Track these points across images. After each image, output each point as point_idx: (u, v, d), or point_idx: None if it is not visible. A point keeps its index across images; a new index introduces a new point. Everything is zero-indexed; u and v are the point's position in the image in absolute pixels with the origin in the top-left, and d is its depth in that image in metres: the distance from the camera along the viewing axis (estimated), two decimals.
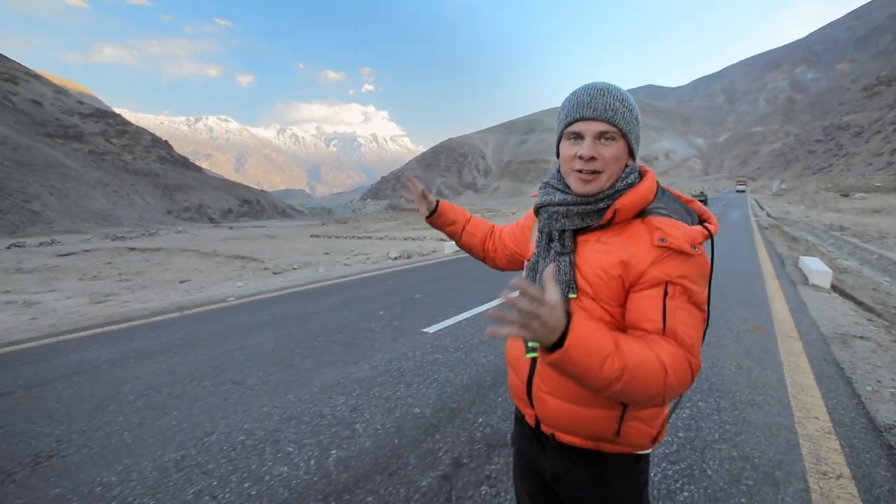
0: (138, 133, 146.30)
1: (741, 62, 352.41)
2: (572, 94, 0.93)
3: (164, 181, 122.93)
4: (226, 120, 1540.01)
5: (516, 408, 1.12)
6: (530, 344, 0.92)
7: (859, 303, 6.06)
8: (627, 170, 0.94)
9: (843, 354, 3.65)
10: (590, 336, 0.75)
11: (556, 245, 0.96)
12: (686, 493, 1.93)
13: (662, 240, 0.86)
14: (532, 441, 1.05)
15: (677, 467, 2.12)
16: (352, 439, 2.35)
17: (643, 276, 0.86)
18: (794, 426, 2.50)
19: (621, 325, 0.89)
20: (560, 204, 0.95)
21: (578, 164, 0.90)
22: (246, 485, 2.00)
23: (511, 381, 1.07)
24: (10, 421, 2.58)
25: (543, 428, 1.00)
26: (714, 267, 0.91)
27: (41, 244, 36.94)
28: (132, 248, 28.71)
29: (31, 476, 2.08)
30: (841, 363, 3.46)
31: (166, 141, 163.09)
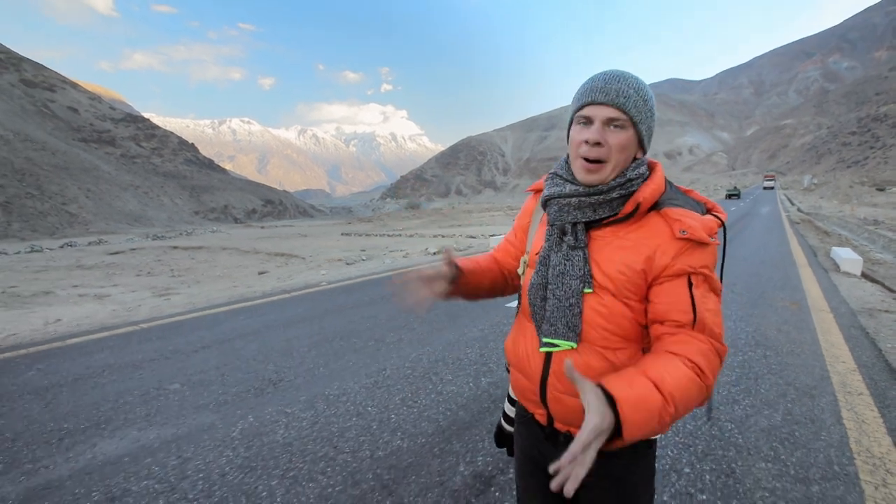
0: (166, 136, 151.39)
1: (770, 52, 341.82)
2: (588, 79, 0.93)
3: (192, 183, 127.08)
4: (248, 122, 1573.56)
5: (519, 408, 1.13)
6: (545, 339, 0.94)
7: (888, 288, 6.65)
8: (637, 162, 0.94)
9: (869, 323, 4.36)
10: (639, 407, 0.73)
11: (569, 239, 0.95)
12: (746, 402, 2.74)
13: (684, 231, 0.87)
14: (541, 440, 1.04)
15: (737, 388, 2.93)
16: (493, 372, 3.24)
17: (667, 269, 0.88)
18: (826, 367, 3.28)
19: (641, 319, 0.91)
20: (571, 195, 0.94)
21: (584, 149, 0.90)
22: (431, 396, 2.89)
23: (517, 383, 1.05)
24: (229, 361, 3.54)
25: (558, 426, 0.99)
26: (727, 254, 0.98)
27: (90, 243, 39.29)
28: (175, 247, 30.44)
29: (277, 391, 3.02)
30: (867, 329, 4.18)
31: (192, 143, 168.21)
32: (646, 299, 0.90)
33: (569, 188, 0.95)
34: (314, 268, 9.53)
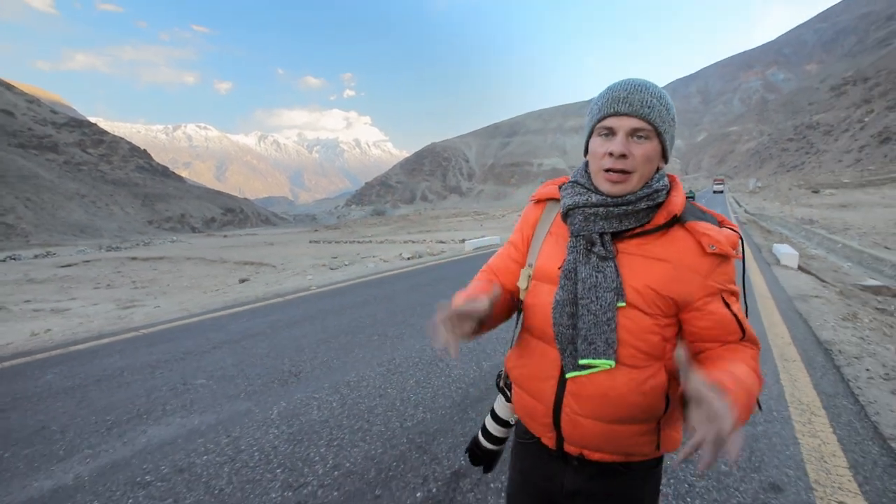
0: (115, 142, 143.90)
1: (716, 63, 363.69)
2: (607, 88, 0.91)
3: (144, 191, 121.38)
4: (205, 127, 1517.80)
5: (520, 429, 1.09)
6: (581, 360, 0.89)
7: (819, 278, 7.59)
8: (660, 173, 0.93)
9: (802, 306, 5.11)
10: (739, 406, 0.73)
11: (598, 249, 0.91)
12: None
13: (713, 247, 0.86)
14: (546, 461, 1.01)
15: None
16: (491, 356, 3.66)
17: (702, 289, 0.87)
18: (768, 342, 3.90)
19: (667, 334, 0.89)
20: (598, 205, 0.91)
21: (608, 162, 0.88)
22: (442, 378, 3.28)
23: (523, 404, 1.01)
24: (244, 359, 3.79)
25: (568, 448, 0.96)
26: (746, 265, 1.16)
27: (37, 256, 37.04)
28: (134, 258, 29.30)
29: (301, 381, 3.31)
30: (800, 311, 4.91)
31: (145, 150, 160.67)
32: (675, 316, 0.90)
33: (595, 198, 0.92)
34: (300, 273, 9.67)
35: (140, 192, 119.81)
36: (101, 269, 23.85)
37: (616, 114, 0.88)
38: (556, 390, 0.94)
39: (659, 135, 0.89)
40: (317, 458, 2.29)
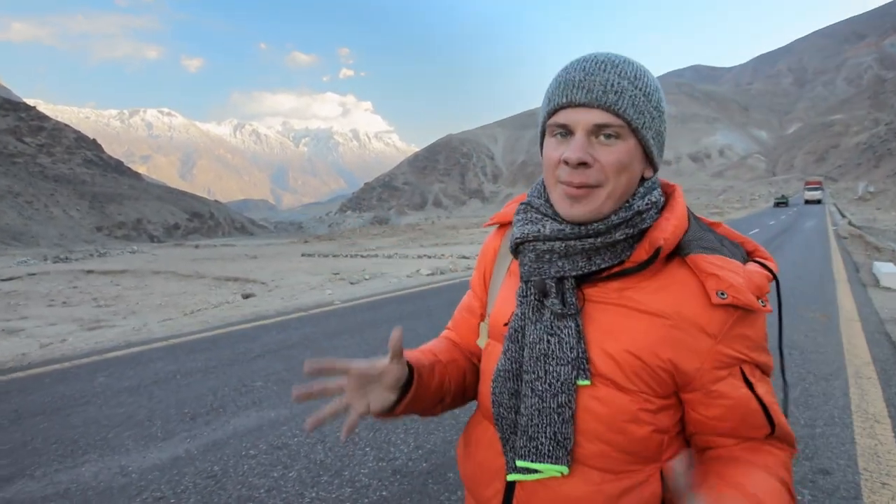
0: (59, 130, 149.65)
1: (813, 34, 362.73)
2: (562, 69, 0.80)
3: (93, 190, 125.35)
4: (169, 114, 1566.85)
5: None
6: (519, 462, 0.80)
7: None
8: (648, 184, 0.82)
9: (894, 329, 5.81)
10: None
11: (553, 302, 0.80)
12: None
13: (723, 294, 0.73)
14: None
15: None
16: None
17: (710, 358, 0.75)
18: (844, 361, 4.67)
19: (662, 425, 0.79)
20: (554, 238, 0.80)
21: (564, 173, 0.76)
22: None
23: None
24: (292, 366, 4.70)
25: None
26: (783, 320, 0.88)
27: None
28: (90, 271, 30.93)
29: None
30: (891, 334, 5.63)
31: (94, 140, 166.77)
32: (675, 396, 0.80)
33: (550, 227, 0.81)
34: (316, 287, 10.68)
35: (87, 191, 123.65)
36: (51, 283, 25.34)
37: (570, 104, 0.76)
38: (503, 495, 0.85)
39: (635, 131, 0.76)
40: (399, 441, 3.17)
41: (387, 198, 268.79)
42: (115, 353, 5.34)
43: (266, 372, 4.55)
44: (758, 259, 0.83)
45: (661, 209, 0.83)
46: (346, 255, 30.94)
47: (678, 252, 0.79)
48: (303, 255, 35.63)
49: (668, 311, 0.77)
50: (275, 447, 3.12)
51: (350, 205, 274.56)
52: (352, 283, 10.79)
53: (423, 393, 0.91)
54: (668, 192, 0.87)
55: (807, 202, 55.51)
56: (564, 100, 0.77)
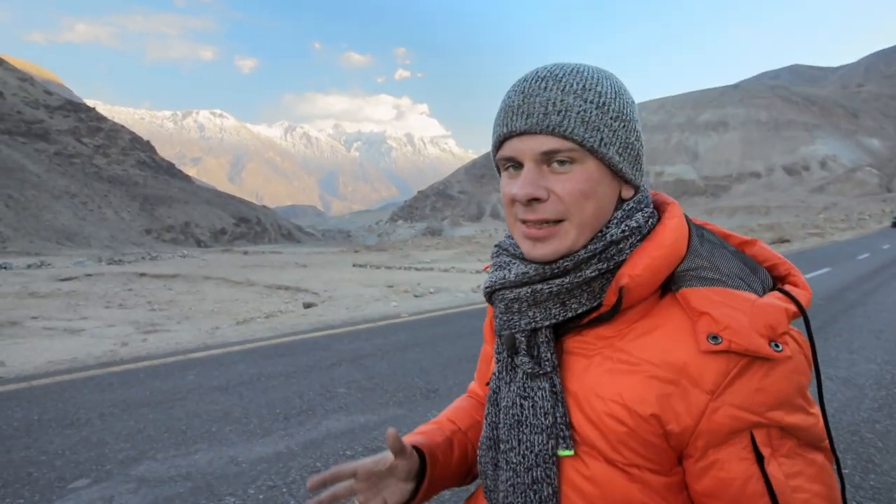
0: (115, 131, 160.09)
1: None
2: (506, 93, 0.76)
3: (144, 192, 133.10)
4: (221, 115, 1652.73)
5: None
6: (562, 452, 0.72)
7: None
8: (627, 206, 0.75)
9: None
10: None
11: (523, 361, 0.76)
12: (887, 421, 4.09)
13: (715, 338, 0.63)
14: None
15: (880, 413, 4.28)
16: None
17: (707, 421, 0.64)
18: None
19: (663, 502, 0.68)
20: (520, 283, 0.75)
21: (520, 212, 0.72)
22: None
23: None
24: (372, 375, 5.09)
25: None
26: (819, 365, 0.71)
27: (30, 266, 42.75)
28: (143, 274, 33.09)
29: (439, 397, 4.53)
30: None
31: (148, 141, 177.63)
32: (679, 465, 0.69)
33: (515, 271, 0.76)
34: (381, 299, 11.21)
35: (139, 192, 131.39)
36: (107, 285, 27.36)
37: (512, 134, 0.72)
38: None
39: (592, 151, 0.70)
40: None
41: (441, 207, 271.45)
42: (197, 354, 5.93)
43: (346, 380, 4.97)
44: (783, 288, 0.71)
45: (645, 237, 0.75)
46: (400, 268, 31.70)
47: (671, 284, 0.72)
48: (354, 265, 36.76)
49: (654, 360, 0.68)
50: (370, 450, 3.48)
51: (401, 214, 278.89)
52: (416, 297, 11.24)
53: (443, 473, 0.90)
54: (661, 213, 0.79)
55: None
56: (505, 129, 0.73)
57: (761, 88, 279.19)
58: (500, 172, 0.79)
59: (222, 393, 4.58)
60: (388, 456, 0.82)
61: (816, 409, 0.68)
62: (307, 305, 11.44)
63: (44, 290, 24.33)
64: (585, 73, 0.73)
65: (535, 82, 0.72)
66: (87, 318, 15.20)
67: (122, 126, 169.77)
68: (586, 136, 0.70)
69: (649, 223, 0.76)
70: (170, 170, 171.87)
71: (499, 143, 0.75)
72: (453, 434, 0.95)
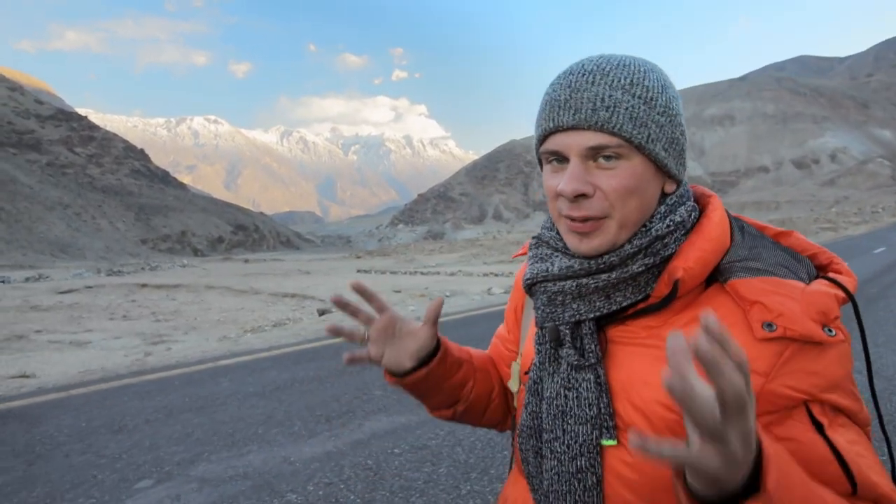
0: (108, 139, 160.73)
1: None
2: (549, 85, 0.78)
3: (139, 201, 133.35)
4: (215, 121, 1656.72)
5: None
6: (605, 442, 0.74)
7: None
8: (670, 201, 0.78)
9: None
10: (799, 480, 0.57)
11: (568, 353, 0.78)
12: None
13: (771, 326, 0.66)
14: None
15: None
16: None
17: (762, 403, 0.65)
18: None
19: None
20: (564, 276, 0.77)
21: (564, 206, 0.74)
22: None
23: None
24: None
25: None
26: (869, 349, 0.76)
27: (28, 279, 43.07)
28: (143, 285, 33.32)
29: None
30: None
31: (142, 150, 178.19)
32: None
33: (559, 264, 0.78)
34: (397, 303, 11.39)
35: (134, 202, 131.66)
36: (109, 296, 27.60)
37: (559, 129, 0.74)
38: None
39: (639, 148, 0.72)
40: None
41: (442, 210, 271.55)
42: (226, 362, 6.12)
43: (380, 382, 5.13)
44: (828, 275, 0.74)
45: (689, 231, 0.77)
46: (405, 272, 31.89)
47: (717, 277, 0.75)
48: (358, 271, 37.00)
49: None
50: (416, 447, 3.66)
51: (402, 218, 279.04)
52: (432, 300, 11.44)
53: (439, 380, 0.92)
54: (703, 206, 0.82)
55: None
56: (552, 124, 0.74)
57: (768, 81, 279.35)
58: (541, 166, 0.81)
59: (260, 398, 4.76)
60: (415, 323, 0.88)
61: (861, 399, 0.71)
62: (322, 312, 11.62)
63: (46, 304, 24.56)
64: (632, 67, 0.74)
65: (582, 76, 0.73)
66: (91, 331, 15.42)
67: (115, 134, 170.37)
68: (634, 132, 0.71)
69: (692, 217, 0.78)
70: (165, 178, 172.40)
71: (543, 137, 0.77)
72: (466, 362, 0.98)
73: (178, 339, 11.63)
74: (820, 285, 0.71)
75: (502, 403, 1.03)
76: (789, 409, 0.67)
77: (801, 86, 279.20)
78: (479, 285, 17.02)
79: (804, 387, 0.66)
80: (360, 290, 0.86)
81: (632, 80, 0.72)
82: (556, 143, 0.74)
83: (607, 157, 0.72)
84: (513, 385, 0.96)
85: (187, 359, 6.40)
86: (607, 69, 0.73)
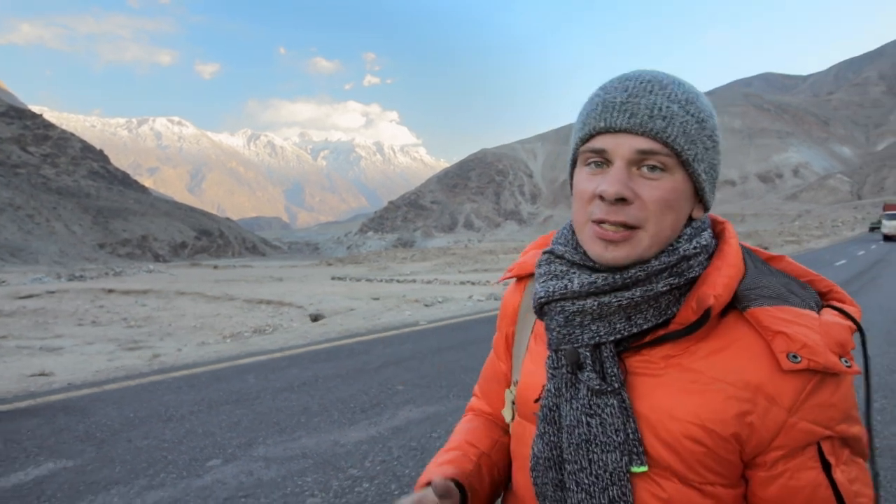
0: (65, 139, 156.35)
1: None
2: (601, 87, 0.78)
3: (97, 204, 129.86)
4: (180, 123, 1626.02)
5: None
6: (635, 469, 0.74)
7: None
8: (696, 224, 0.79)
9: None
10: None
11: (590, 377, 0.76)
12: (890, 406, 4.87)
13: (796, 357, 0.67)
14: None
15: (887, 400, 5.06)
16: None
17: (784, 437, 0.70)
18: None
19: None
20: (586, 294, 0.76)
21: (598, 210, 0.73)
22: None
23: None
24: (424, 374, 5.69)
25: None
26: (871, 372, 0.77)
27: None
28: (110, 290, 32.88)
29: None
30: None
31: (101, 150, 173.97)
32: (741, 478, 0.75)
33: (579, 280, 0.76)
34: (392, 308, 11.78)
35: (91, 205, 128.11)
36: (74, 301, 27.18)
37: (609, 129, 0.73)
38: None
39: (685, 164, 0.73)
40: None
41: (412, 218, 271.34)
42: (243, 361, 6.46)
43: (400, 379, 5.57)
44: (834, 303, 0.77)
45: (711, 255, 0.79)
46: (381, 280, 32.19)
47: (734, 304, 0.75)
48: (333, 278, 37.13)
49: (728, 379, 0.71)
50: (450, 433, 4.08)
51: (371, 225, 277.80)
52: (426, 306, 11.86)
53: (482, 499, 0.92)
54: (717, 232, 0.84)
55: (886, 238, 38.04)
56: (603, 124, 0.74)
57: (735, 96, 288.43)
58: (572, 167, 0.82)
59: (291, 392, 5.13)
60: (431, 498, 0.83)
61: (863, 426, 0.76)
62: (315, 318, 11.93)
63: (7, 309, 24.11)
64: (686, 86, 0.76)
65: (640, 84, 0.74)
66: (61, 336, 15.38)
67: (73, 134, 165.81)
68: (685, 147, 0.72)
69: (713, 243, 0.80)
70: (125, 180, 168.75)
71: (588, 136, 0.76)
72: (479, 458, 0.96)
73: (154, 345, 11.79)
74: (832, 316, 0.73)
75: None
76: (804, 447, 0.70)
77: (766, 102, 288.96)
78: (461, 292, 17.50)
79: (823, 420, 0.69)
80: (443, 491, 0.83)
81: (688, 98, 0.74)
82: (604, 142, 0.74)
83: (652, 168, 0.72)
84: (507, 414, 0.96)
85: (203, 358, 6.70)
86: (665, 83, 0.74)
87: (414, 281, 29.35)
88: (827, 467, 0.70)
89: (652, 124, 0.71)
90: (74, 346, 12.65)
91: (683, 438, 0.71)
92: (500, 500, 1.00)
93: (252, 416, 4.46)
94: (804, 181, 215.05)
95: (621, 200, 0.71)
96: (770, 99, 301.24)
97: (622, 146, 0.72)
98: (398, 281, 30.52)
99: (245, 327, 14.09)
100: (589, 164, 0.76)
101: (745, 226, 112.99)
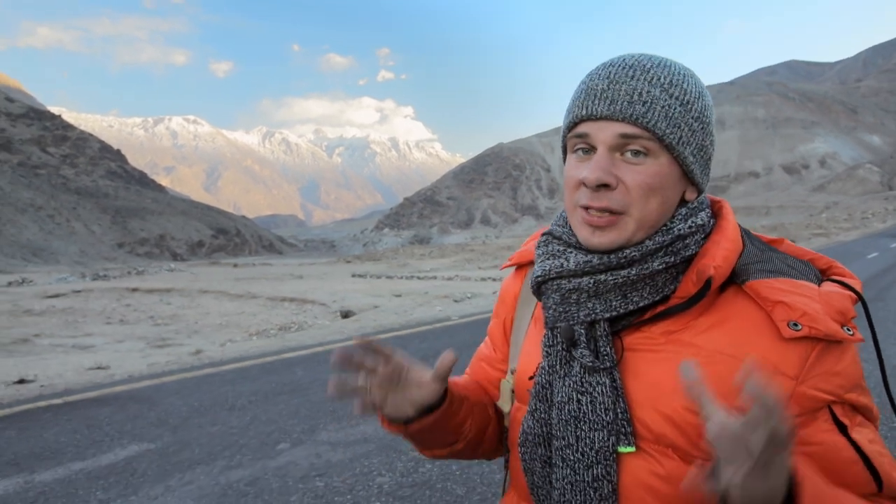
0: (83, 139, 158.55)
1: None
2: (587, 75, 0.80)
3: (115, 203, 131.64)
4: (195, 121, 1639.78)
5: None
6: (622, 449, 0.74)
7: None
8: (691, 205, 0.80)
9: None
10: (830, 495, 0.65)
11: (583, 353, 0.77)
12: None
13: (796, 325, 0.69)
14: None
15: None
16: None
17: (792, 405, 0.69)
18: None
19: None
20: (581, 272, 0.77)
21: (583, 196, 0.75)
22: None
23: None
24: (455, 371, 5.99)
25: None
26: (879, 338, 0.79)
27: (10, 284, 43.01)
28: (135, 289, 33.65)
29: None
30: None
31: (119, 150, 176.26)
32: None
33: (575, 259, 0.78)
34: (423, 304, 12.11)
35: (110, 205, 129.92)
36: (101, 301, 27.94)
37: (591, 117, 0.75)
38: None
39: (669, 148, 0.74)
40: None
41: (428, 214, 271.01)
42: (288, 355, 6.82)
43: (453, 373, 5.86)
44: (834, 277, 0.79)
45: (709, 233, 0.80)
46: (401, 277, 32.53)
47: (733, 279, 0.76)
48: (353, 275, 37.56)
49: (730, 352, 0.72)
50: None
51: (387, 222, 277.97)
52: (456, 301, 12.19)
53: (443, 425, 0.90)
54: (714, 211, 0.85)
55: None
56: (585, 111, 0.75)
57: (758, 85, 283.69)
58: (565, 155, 0.83)
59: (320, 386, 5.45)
60: (424, 374, 0.85)
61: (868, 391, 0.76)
62: (345, 315, 12.28)
63: (37, 308, 24.86)
64: (672, 68, 0.76)
65: (622, 69, 0.75)
66: (91, 335, 15.91)
67: (91, 134, 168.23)
68: (667, 130, 0.73)
69: (710, 222, 0.81)
70: (142, 180, 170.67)
71: (573, 124, 0.78)
72: (465, 400, 0.95)
73: (183, 343, 12.23)
74: (833, 287, 0.75)
75: (497, 434, 1.01)
76: (815, 411, 0.70)
77: (791, 91, 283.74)
78: (485, 288, 17.76)
79: (830, 388, 0.70)
80: (364, 345, 0.84)
81: (671, 81, 0.75)
82: (587, 129, 0.75)
83: (635, 153, 0.74)
84: (504, 404, 0.96)
85: (248, 353, 7.05)
86: (648, 66, 0.75)
87: (434, 278, 29.60)
88: (843, 430, 0.70)
89: (632, 110, 0.72)
90: (106, 344, 13.14)
91: (684, 410, 0.71)
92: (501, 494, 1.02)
93: (309, 405, 4.78)
94: (832, 172, 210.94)
95: (604, 186, 0.73)
96: (795, 87, 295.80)
97: (604, 132, 0.74)
98: (419, 278, 30.80)
99: (270, 325, 14.47)
100: (576, 150, 0.78)
101: (770, 218, 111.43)
